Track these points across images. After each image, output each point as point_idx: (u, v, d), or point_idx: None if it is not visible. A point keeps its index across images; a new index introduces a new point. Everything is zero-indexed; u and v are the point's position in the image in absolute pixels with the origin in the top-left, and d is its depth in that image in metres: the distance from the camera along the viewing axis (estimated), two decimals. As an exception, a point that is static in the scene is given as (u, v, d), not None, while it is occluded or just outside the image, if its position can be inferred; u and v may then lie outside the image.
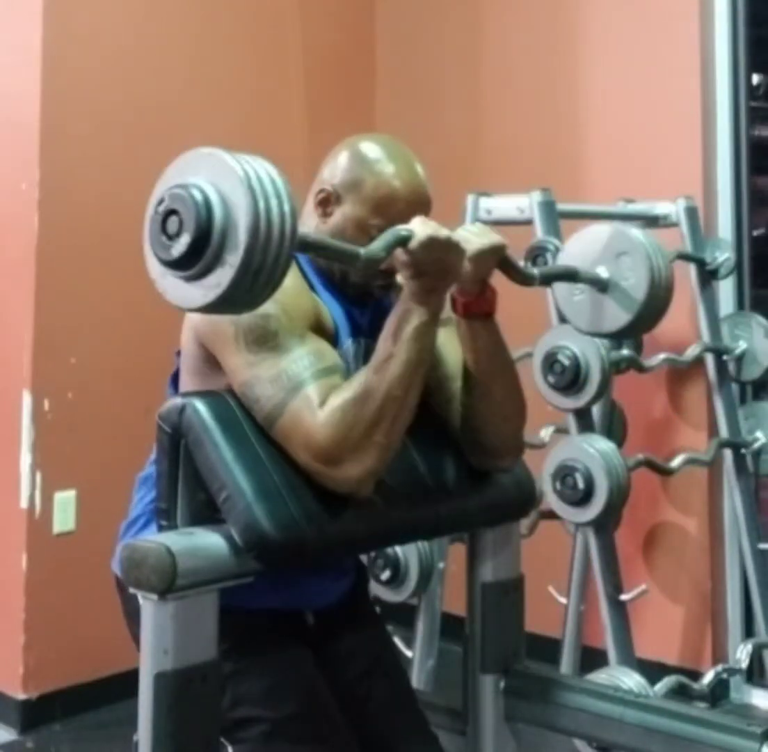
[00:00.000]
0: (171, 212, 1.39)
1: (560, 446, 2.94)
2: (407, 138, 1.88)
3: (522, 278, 1.80)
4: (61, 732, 3.32)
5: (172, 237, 1.39)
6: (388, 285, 1.80)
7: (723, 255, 3.45)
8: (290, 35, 4.12)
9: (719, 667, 3.25)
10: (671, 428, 3.67)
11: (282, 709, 1.72)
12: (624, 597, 2.97)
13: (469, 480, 1.80)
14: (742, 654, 3.32)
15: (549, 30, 4.00)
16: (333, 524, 1.60)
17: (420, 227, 1.59)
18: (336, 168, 1.79)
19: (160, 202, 1.41)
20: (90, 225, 3.48)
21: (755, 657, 3.41)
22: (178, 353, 1.78)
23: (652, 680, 2.78)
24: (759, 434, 3.46)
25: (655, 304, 1.87)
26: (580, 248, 1.94)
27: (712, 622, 3.58)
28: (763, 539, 3.45)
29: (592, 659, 3.09)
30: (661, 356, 3.32)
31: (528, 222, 3.07)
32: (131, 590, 1.53)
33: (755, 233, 3.80)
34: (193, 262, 1.38)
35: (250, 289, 1.39)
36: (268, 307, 1.59)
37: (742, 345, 3.46)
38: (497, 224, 3.18)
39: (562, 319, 2.98)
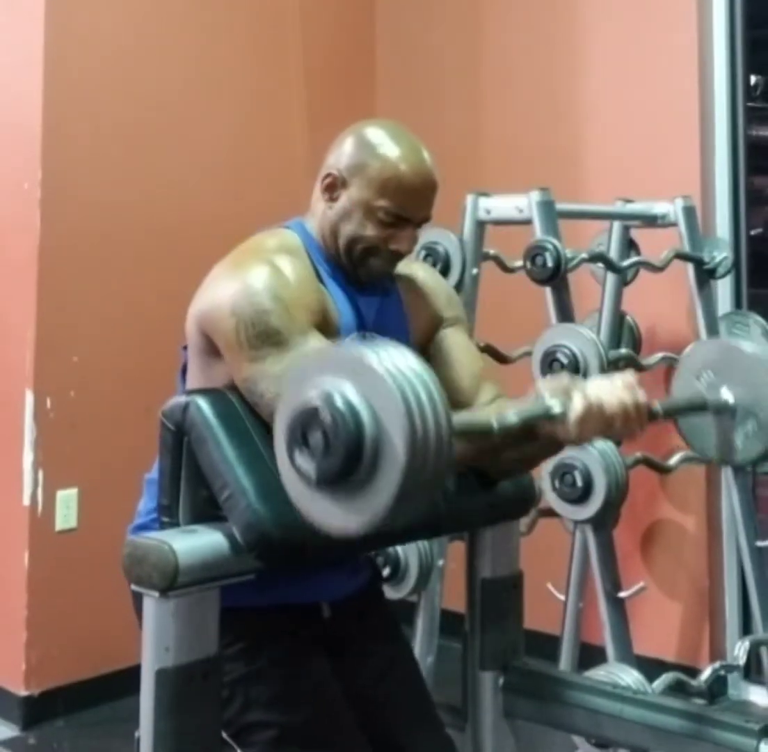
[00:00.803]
0: (311, 424, 1.25)
1: (559, 444, 2.95)
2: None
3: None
4: (63, 728, 3.33)
5: (316, 453, 1.24)
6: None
7: (721, 254, 3.45)
8: (290, 35, 4.12)
9: (717, 664, 3.26)
10: (669, 426, 3.66)
11: (293, 714, 1.70)
12: (622, 594, 2.98)
13: (469, 480, 1.81)
14: (739, 650, 3.32)
15: (548, 31, 4.01)
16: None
17: (575, 411, 1.52)
18: (341, 153, 1.79)
19: (300, 413, 1.26)
20: (92, 224, 3.49)
21: (753, 653, 3.41)
22: (185, 348, 1.78)
23: (651, 677, 2.78)
24: (757, 432, 3.47)
25: None
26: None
27: (709, 619, 3.59)
28: (760, 537, 3.44)
29: (590, 656, 3.10)
30: (659, 354, 3.33)
31: (527, 222, 3.07)
32: (133, 587, 1.54)
33: (753, 232, 3.81)
34: (342, 481, 1.24)
35: (409, 508, 1.25)
36: (270, 302, 1.60)
37: (740, 344, 3.47)
38: (496, 223, 3.20)
39: (562, 318, 3.00)
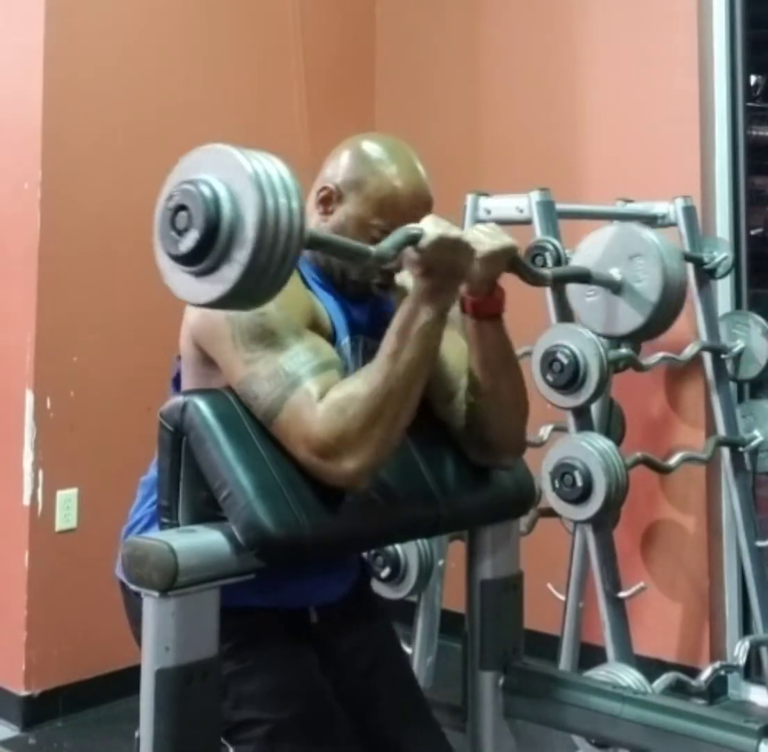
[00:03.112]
0: (180, 208, 1.40)
1: (559, 444, 2.95)
2: (407, 138, 1.89)
3: (533, 279, 1.79)
4: (63, 728, 3.33)
5: (181, 232, 1.40)
6: (387, 285, 1.81)
7: (721, 254, 3.46)
8: (290, 36, 4.12)
9: (717, 664, 3.26)
10: (669, 426, 3.68)
11: (284, 711, 1.71)
12: (622, 594, 2.98)
13: (468, 479, 1.81)
14: (739, 650, 3.32)
15: (548, 31, 4.01)
16: (333, 522, 1.60)
17: (431, 227, 1.59)
18: (338, 167, 1.79)
19: (170, 197, 1.42)
20: (92, 225, 3.50)
21: (753, 653, 3.42)
22: (179, 358, 1.79)
23: (651, 677, 2.79)
24: (756, 432, 3.47)
25: (669, 305, 1.86)
26: (592, 248, 1.93)
27: (710, 619, 3.59)
28: (760, 537, 3.45)
29: (590, 656, 3.10)
30: (659, 354, 3.33)
31: (527, 222, 3.07)
32: (132, 587, 1.54)
33: (753, 232, 3.82)
34: (201, 258, 1.39)
35: (257, 285, 1.40)
36: (265, 305, 1.61)
37: (739, 344, 3.47)
38: (496, 223, 3.19)
39: (562, 318, 3.00)
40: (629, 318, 1.87)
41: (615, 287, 1.87)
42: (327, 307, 1.76)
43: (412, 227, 1.60)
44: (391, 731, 1.86)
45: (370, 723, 1.84)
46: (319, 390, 1.58)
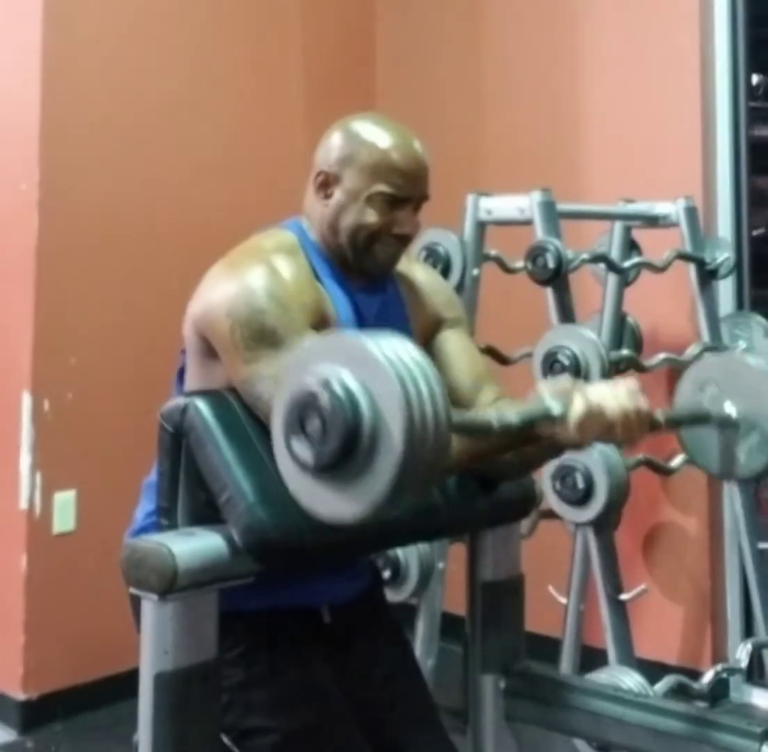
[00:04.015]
0: (310, 408, 1.24)
1: (560, 446, 2.94)
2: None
3: (653, 429, 1.65)
4: (61, 732, 3.31)
5: (313, 438, 1.23)
6: (386, 269, 1.80)
7: (723, 255, 3.45)
8: (290, 35, 4.12)
9: (719, 667, 3.25)
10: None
11: (293, 720, 1.69)
12: (624, 596, 2.97)
13: (470, 483, 1.80)
14: (741, 653, 3.31)
15: (550, 30, 4.00)
16: (333, 527, 1.59)
17: (578, 404, 1.53)
18: (329, 149, 1.80)
19: (299, 396, 1.26)
20: (90, 226, 3.48)
21: (755, 656, 3.40)
22: (184, 351, 1.78)
23: (652, 679, 2.78)
24: (759, 433, 3.46)
25: None
26: (694, 382, 1.79)
27: (711, 622, 3.58)
28: (762, 539, 3.44)
29: (592, 658, 3.09)
30: (661, 355, 3.32)
31: (528, 222, 3.06)
32: (131, 590, 1.53)
33: (755, 232, 3.80)
34: (339, 468, 1.23)
35: (405, 493, 1.24)
36: (266, 302, 1.60)
37: (741, 345, 3.46)
38: (497, 224, 3.19)
39: (563, 319, 2.99)
40: (752, 459, 1.72)
41: (731, 425, 1.72)
42: (334, 298, 1.75)
43: (549, 405, 1.52)
44: (403, 742, 1.84)
45: (383, 734, 1.81)
46: None
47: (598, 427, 1.53)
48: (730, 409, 1.73)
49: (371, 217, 1.74)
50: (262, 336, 1.60)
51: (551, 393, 1.55)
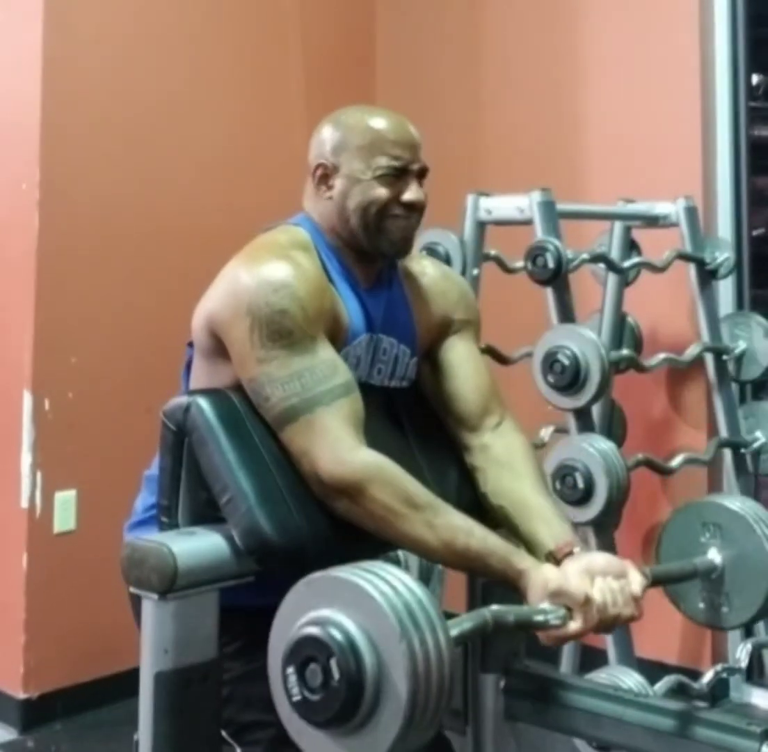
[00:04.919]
0: (310, 659, 1.18)
1: (560, 445, 2.94)
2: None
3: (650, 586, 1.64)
4: (61, 731, 3.32)
5: (314, 690, 1.17)
6: (404, 248, 1.80)
7: (722, 255, 3.45)
8: (290, 35, 4.12)
9: (719, 666, 3.24)
10: (671, 427, 3.67)
11: None
12: (624, 596, 2.96)
13: (472, 484, 1.80)
14: (741, 653, 3.30)
15: (549, 30, 4.00)
16: (334, 529, 1.59)
17: (571, 628, 1.55)
18: (322, 143, 1.80)
19: (295, 645, 1.19)
20: (90, 225, 3.49)
21: (755, 656, 3.40)
22: (191, 344, 1.77)
23: (652, 679, 2.77)
24: (758, 433, 3.46)
25: None
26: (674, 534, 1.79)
27: (711, 621, 3.58)
28: (762, 539, 3.44)
29: (592, 658, 3.09)
30: (661, 355, 3.32)
31: (528, 222, 3.06)
32: (132, 589, 1.53)
33: (755, 232, 3.80)
34: (342, 720, 1.17)
35: (409, 741, 1.17)
36: (287, 302, 1.59)
37: (741, 345, 3.46)
38: (497, 224, 3.19)
39: (563, 319, 2.99)
40: (737, 611, 1.71)
41: (716, 573, 1.71)
42: (346, 302, 1.75)
43: (547, 614, 1.52)
44: None
45: None
46: (339, 421, 1.58)
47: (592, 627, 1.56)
48: (713, 556, 1.74)
49: (377, 191, 1.74)
50: (279, 336, 1.60)
51: (552, 598, 1.54)
